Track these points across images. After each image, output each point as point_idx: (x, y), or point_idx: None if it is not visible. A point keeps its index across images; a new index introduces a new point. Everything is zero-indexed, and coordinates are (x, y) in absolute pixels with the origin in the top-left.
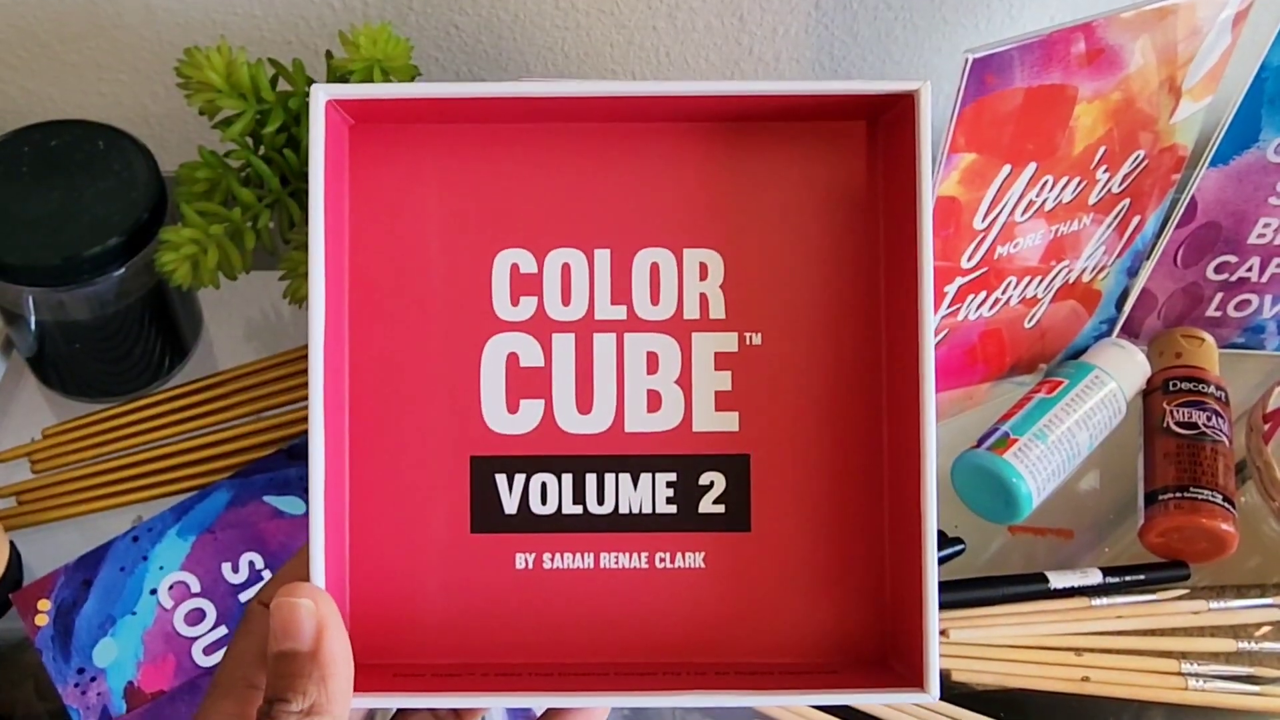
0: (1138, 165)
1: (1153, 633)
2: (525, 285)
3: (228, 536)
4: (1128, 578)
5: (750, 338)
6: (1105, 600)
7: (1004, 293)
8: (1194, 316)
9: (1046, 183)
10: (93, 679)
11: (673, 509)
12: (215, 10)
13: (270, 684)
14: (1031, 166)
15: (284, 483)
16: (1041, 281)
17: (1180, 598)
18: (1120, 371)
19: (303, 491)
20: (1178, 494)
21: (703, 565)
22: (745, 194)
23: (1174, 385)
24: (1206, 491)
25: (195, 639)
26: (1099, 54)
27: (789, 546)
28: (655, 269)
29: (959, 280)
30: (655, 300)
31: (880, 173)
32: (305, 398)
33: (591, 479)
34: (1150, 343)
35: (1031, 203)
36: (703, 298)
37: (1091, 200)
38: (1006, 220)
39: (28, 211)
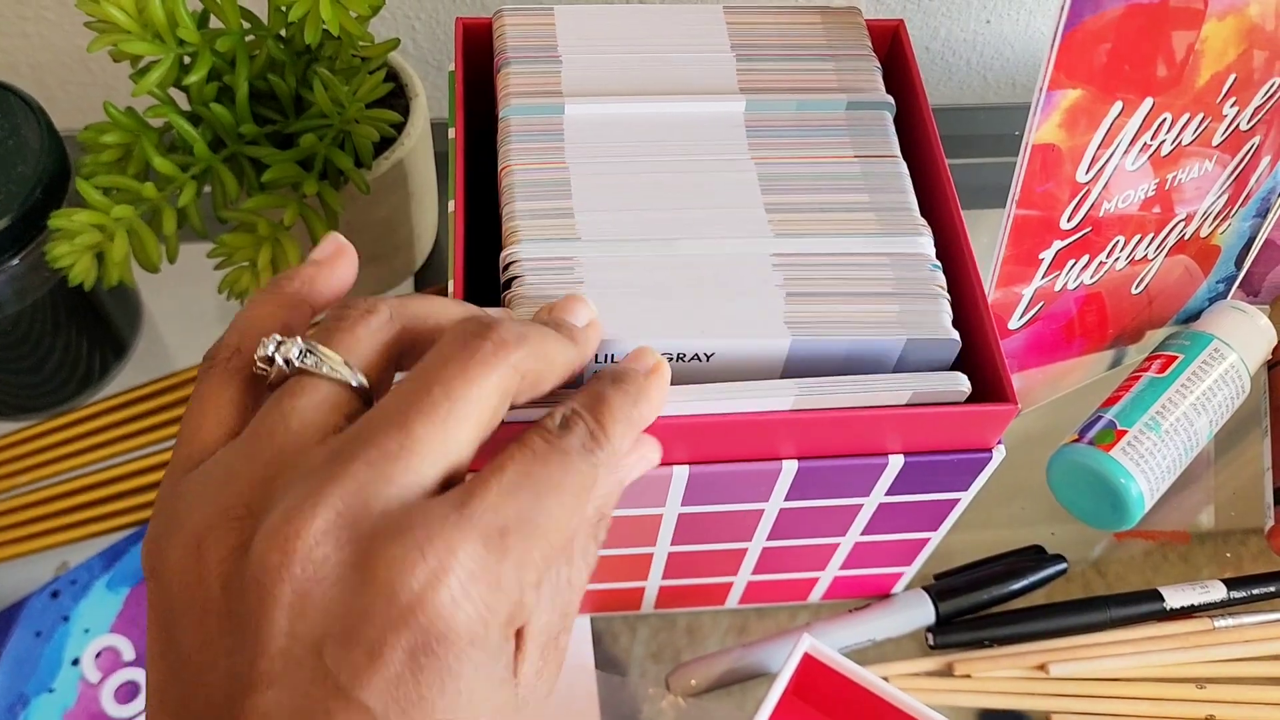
0: (1271, 95)
1: None
2: None
3: None
4: (1255, 590)
5: None
6: (1231, 620)
7: (1109, 255)
8: None
9: (1164, 121)
10: None
11: None
12: None
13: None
14: (1148, 102)
15: None
16: (1154, 240)
17: None
18: (1242, 341)
19: None
20: None
21: None
22: None
23: None
24: None
25: None
26: None
27: None
28: None
29: (1057, 244)
30: None
31: None
32: None
33: None
34: (1273, 303)
35: (1146, 146)
36: None
37: (1215, 140)
38: (1116, 169)
39: None
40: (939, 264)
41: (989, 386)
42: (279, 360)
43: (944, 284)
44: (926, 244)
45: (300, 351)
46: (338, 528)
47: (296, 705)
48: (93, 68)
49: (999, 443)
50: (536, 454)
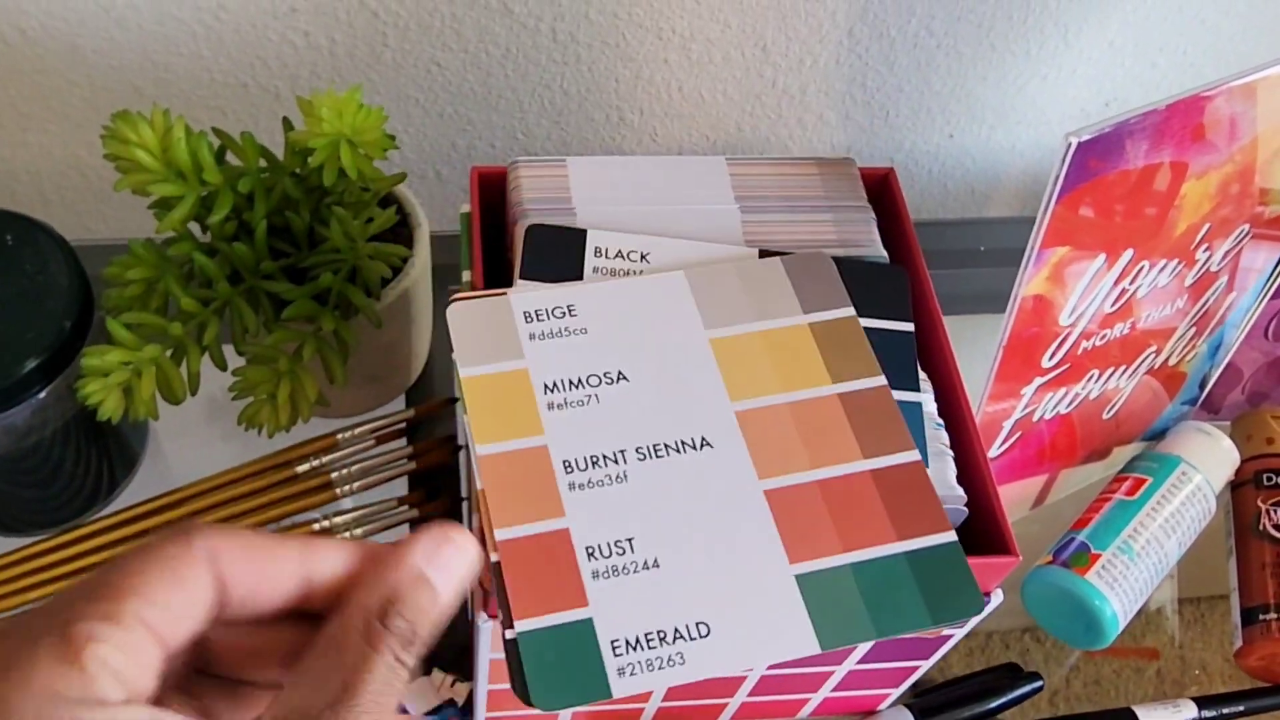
0: (1240, 240)
1: None
2: None
3: None
4: (1225, 710)
5: None
6: None
7: (1084, 387)
8: None
9: (1142, 269)
10: None
11: None
12: (154, 50)
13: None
14: (1128, 253)
15: None
16: (1125, 371)
17: None
18: (1207, 462)
19: None
20: None
21: None
22: None
23: (1270, 479)
24: None
25: None
26: (1218, 124)
27: None
28: None
29: (1037, 381)
30: None
31: None
32: (282, 515)
33: None
34: (1235, 422)
35: (1124, 291)
36: None
37: (1188, 282)
38: (1095, 312)
39: None
40: (941, 422)
41: (990, 538)
42: None
43: (947, 441)
44: (929, 400)
45: None
46: None
47: None
48: (88, 174)
49: (997, 588)
50: None
